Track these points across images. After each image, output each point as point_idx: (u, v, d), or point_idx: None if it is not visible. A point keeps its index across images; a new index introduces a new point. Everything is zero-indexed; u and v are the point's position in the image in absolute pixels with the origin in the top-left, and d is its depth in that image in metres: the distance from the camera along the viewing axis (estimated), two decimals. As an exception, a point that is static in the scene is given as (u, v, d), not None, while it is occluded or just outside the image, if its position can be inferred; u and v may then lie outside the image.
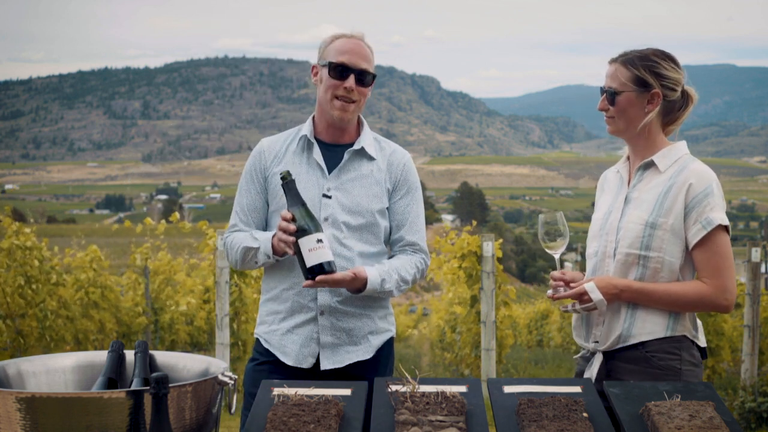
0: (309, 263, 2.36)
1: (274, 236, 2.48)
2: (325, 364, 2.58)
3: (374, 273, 2.52)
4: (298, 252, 2.38)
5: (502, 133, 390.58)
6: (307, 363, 2.58)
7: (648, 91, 2.44)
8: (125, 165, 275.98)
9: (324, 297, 2.57)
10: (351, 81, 2.57)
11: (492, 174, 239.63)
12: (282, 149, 2.69)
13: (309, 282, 2.36)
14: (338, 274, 2.39)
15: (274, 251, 2.51)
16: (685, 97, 2.50)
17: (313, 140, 2.66)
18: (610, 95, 2.48)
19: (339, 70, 2.57)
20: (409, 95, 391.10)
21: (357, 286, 2.49)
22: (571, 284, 2.48)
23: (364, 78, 2.60)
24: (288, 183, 2.43)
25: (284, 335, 2.60)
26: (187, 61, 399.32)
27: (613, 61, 2.51)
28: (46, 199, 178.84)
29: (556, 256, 2.51)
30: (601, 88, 2.53)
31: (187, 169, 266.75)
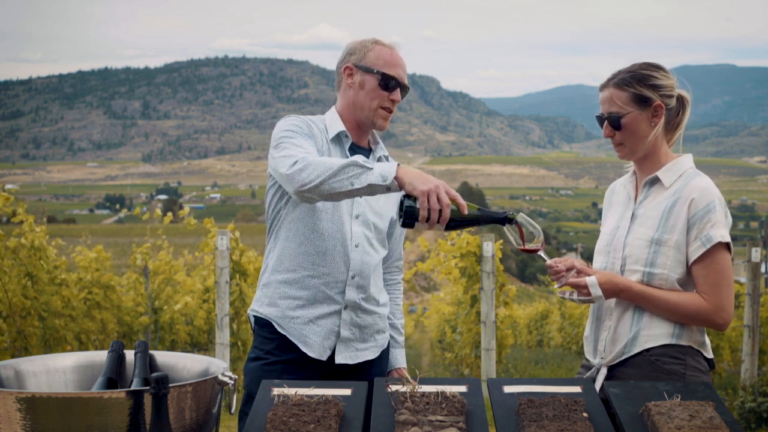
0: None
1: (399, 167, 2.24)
2: (339, 359, 2.58)
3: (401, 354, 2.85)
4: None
5: (502, 133, 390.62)
6: (325, 355, 2.57)
7: (650, 105, 2.42)
8: (125, 165, 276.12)
9: (351, 292, 2.57)
10: (398, 94, 2.63)
11: (492, 174, 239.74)
12: (317, 132, 2.60)
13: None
14: None
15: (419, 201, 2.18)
16: (680, 101, 2.49)
17: (348, 138, 2.64)
18: (614, 120, 2.44)
19: (390, 82, 2.60)
20: (409, 95, 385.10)
21: None
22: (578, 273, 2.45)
23: (404, 91, 2.68)
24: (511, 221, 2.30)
25: (305, 325, 2.56)
26: (186, 61, 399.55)
27: (604, 86, 2.47)
28: (46, 199, 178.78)
29: (541, 254, 2.44)
30: (598, 116, 2.49)
31: (187, 169, 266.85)
